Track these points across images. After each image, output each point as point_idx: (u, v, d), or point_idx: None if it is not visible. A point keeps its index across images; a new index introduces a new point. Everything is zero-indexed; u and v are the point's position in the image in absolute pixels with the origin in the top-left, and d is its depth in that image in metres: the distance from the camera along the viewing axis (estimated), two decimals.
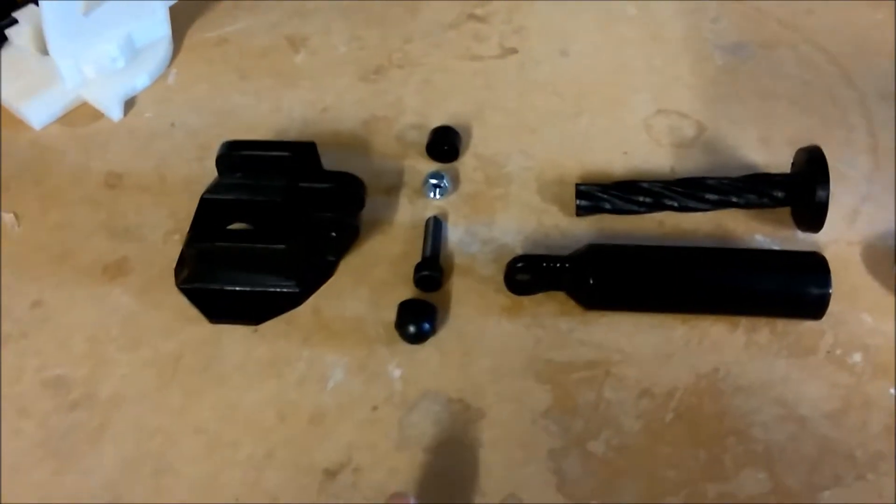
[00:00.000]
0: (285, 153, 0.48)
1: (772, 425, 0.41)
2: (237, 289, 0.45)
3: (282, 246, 0.44)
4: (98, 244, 0.49)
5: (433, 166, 0.53)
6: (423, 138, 0.53)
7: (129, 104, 0.57)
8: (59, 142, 0.55)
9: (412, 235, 0.49)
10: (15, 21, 0.57)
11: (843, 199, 0.50)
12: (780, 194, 0.47)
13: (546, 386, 0.43)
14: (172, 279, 0.46)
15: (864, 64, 0.58)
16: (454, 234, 0.49)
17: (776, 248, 0.48)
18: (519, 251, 0.48)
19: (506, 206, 0.51)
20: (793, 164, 0.49)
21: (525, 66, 0.59)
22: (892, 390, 0.42)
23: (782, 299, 0.43)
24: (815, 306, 0.42)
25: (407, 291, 0.46)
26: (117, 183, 0.53)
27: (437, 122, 0.55)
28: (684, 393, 0.42)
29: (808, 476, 0.39)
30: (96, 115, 0.57)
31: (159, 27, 0.60)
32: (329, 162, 0.51)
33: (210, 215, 0.47)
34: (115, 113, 0.56)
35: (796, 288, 0.42)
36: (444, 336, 0.45)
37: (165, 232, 0.50)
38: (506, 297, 0.46)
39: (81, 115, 0.57)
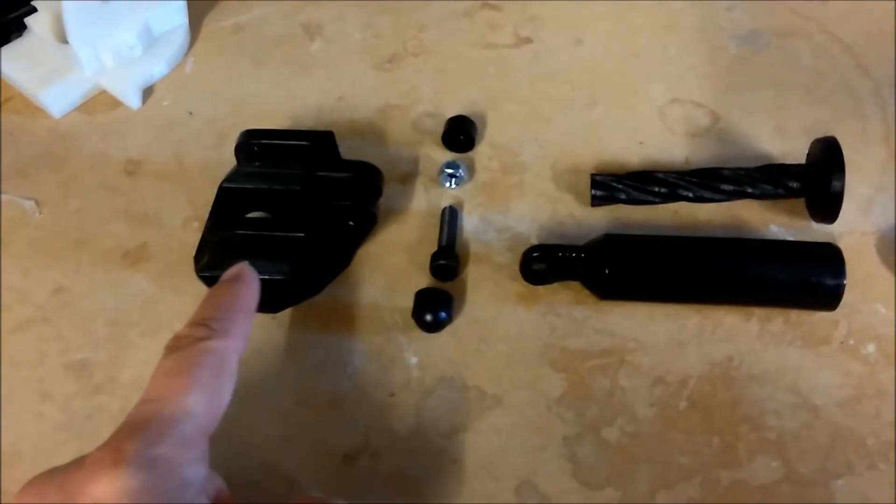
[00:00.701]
0: (304, 142, 0.48)
1: (785, 413, 0.41)
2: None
3: (301, 234, 0.44)
4: (118, 230, 0.50)
5: (448, 155, 0.53)
6: (439, 126, 0.54)
7: (147, 92, 0.58)
8: (77, 129, 0.56)
9: (428, 224, 0.49)
10: (34, 9, 0.57)
11: (858, 190, 0.50)
12: (795, 185, 0.47)
13: (561, 374, 0.43)
14: (191, 265, 0.47)
15: (879, 53, 0.58)
16: (469, 223, 0.50)
17: (791, 238, 0.48)
18: (534, 240, 0.49)
19: (521, 195, 0.51)
20: (808, 154, 0.49)
21: (539, 56, 0.59)
22: None
23: (796, 290, 0.43)
24: (829, 297, 0.42)
25: (423, 280, 0.47)
26: (136, 170, 0.53)
27: (451, 110, 0.55)
28: (698, 381, 0.43)
29: (820, 464, 0.40)
30: (114, 103, 0.57)
31: (176, 15, 0.60)
32: (345, 150, 0.52)
33: (229, 203, 0.48)
34: (133, 101, 0.57)
35: (811, 278, 0.43)
36: (460, 324, 0.45)
37: (184, 219, 0.50)
38: (521, 286, 0.46)
39: (100, 103, 0.57)
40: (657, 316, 0.45)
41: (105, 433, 0.41)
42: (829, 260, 0.43)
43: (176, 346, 0.33)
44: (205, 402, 0.32)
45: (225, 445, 0.41)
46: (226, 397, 0.33)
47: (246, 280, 0.38)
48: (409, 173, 0.52)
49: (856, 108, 0.55)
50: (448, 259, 0.46)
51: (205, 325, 0.34)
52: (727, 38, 0.60)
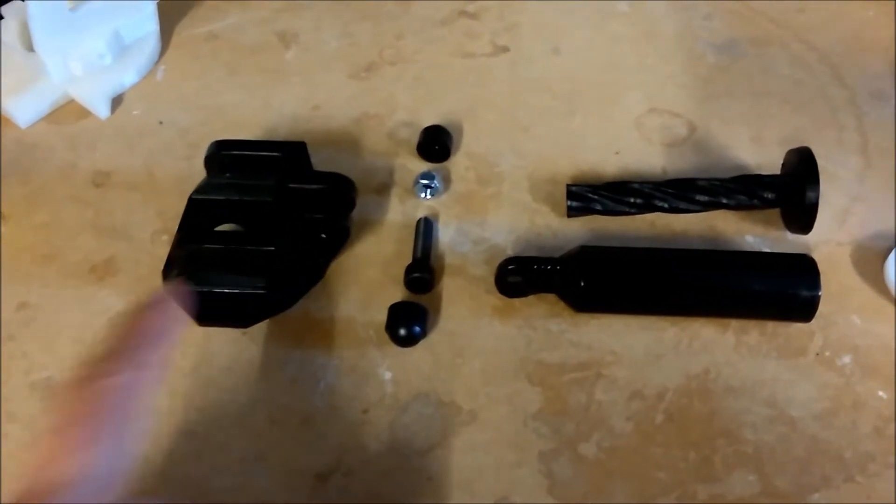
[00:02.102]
0: (275, 153, 0.47)
1: (761, 426, 0.41)
2: (226, 291, 0.44)
3: (271, 248, 0.44)
4: (85, 244, 0.49)
5: (424, 165, 0.52)
6: (415, 136, 0.53)
7: (117, 101, 0.57)
8: (45, 140, 0.55)
9: (403, 235, 0.49)
10: (0, 17, 0.56)
11: (834, 200, 0.50)
12: (770, 195, 0.47)
13: (537, 388, 0.43)
14: (160, 280, 0.46)
15: (855, 62, 0.58)
16: (445, 234, 0.49)
17: (766, 249, 0.48)
18: (510, 251, 0.48)
19: (497, 206, 0.51)
20: (783, 164, 0.49)
21: (517, 64, 0.59)
22: (881, 392, 0.42)
23: (772, 301, 0.43)
24: (804, 309, 0.42)
25: (398, 293, 0.46)
26: (105, 182, 0.52)
27: (428, 119, 0.54)
28: (675, 394, 0.42)
29: (797, 477, 0.40)
30: (83, 112, 0.56)
31: (147, 23, 0.59)
32: (320, 160, 0.51)
33: (199, 215, 0.47)
34: (102, 110, 0.56)
35: (786, 290, 0.42)
36: (436, 338, 0.45)
37: (154, 231, 0.49)
38: (497, 299, 0.46)
39: (68, 112, 0.56)
40: (634, 328, 0.45)
41: None
42: (804, 271, 0.43)
43: (72, 385, 0.29)
44: (106, 453, 0.27)
45: (195, 467, 0.40)
46: (135, 437, 0.29)
47: (158, 305, 0.33)
48: (385, 184, 0.52)
49: (832, 117, 0.55)
50: (422, 272, 0.45)
51: (108, 360, 0.30)
52: (705, 47, 0.60)
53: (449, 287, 0.47)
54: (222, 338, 0.44)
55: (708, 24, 0.61)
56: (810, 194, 0.44)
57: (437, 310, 0.46)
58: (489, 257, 0.48)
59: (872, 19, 0.61)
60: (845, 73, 0.58)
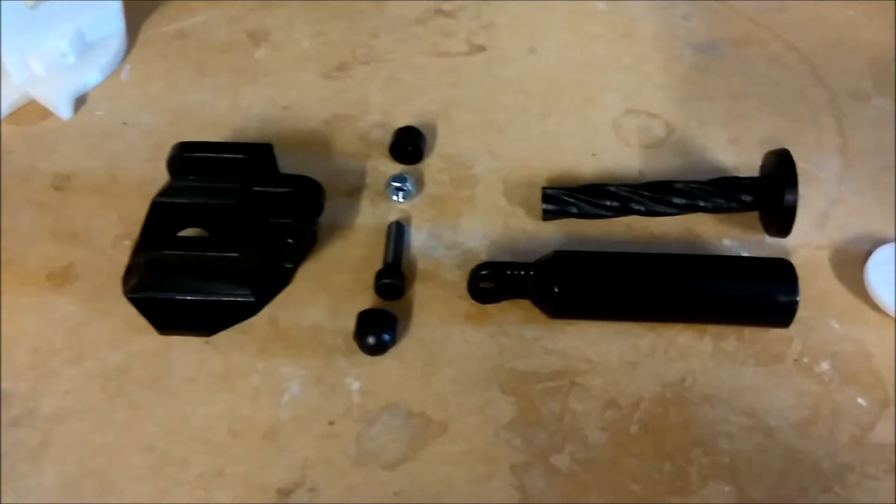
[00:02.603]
0: (240, 155, 0.46)
1: (738, 436, 0.40)
2: (188, 298, 0.43)
3: (235, 254, 0.42)
4: (43, 249, 0.47)
5: (397, 167, 0.51)
6: (388, 137, 0.52)
7: (80, 102, 0.55)
8: (4, 141, 0.53)
9: (374, 240, 0.47)
10: None
11: (813, 202, 0.49)
12: (748, 198, 0.46)
13: (510, 397, 0.41)
14: (121, 287, 0.44)
15: (835, 63, 0.58)
16: (418, 238, 0.48)
17: (745, 252, 0.47)
18: (484, 256, 0.47)
19: (472, 209, 0.49)
20: (761, 167, 0.48)
21: (493, 64, 0.58)
22: (860, 399, 0.41)
23: (749, 307, 0.42)
24: (782, 314, 0.41)
25: (367, 299, 0.45)
26: (65, 185, 0.50)
27: (402, 120, 0.53)
28: (650, 403, 0.41)
29: (774, 489, 0.39)
30: (45, 113, 0.54)
31: (112, 21, 0.57)
32: (290, 162, 0.50)
33: (161, 219, 0.45)
34: (64, 111, 0.54)
35: (763, 295, 0.42)
36: (406, 345, 0.43)
37: (115, 237, 0.48)
38: (470, 304, 0.45)
39: (29, 113, 0.54)
40: (609, 334, 0.44)
41: (23, 470, 0.39)
42: (782, 276, 0.42)
43: None
44: None
45: (151, 483, 0.39)
46: None
47: None
48: (356, 186, 0.50)
49: (811, 118, 0.54)
50: (393, 277, 0.44)
51: None
52: (683, 47, 0.59)
53: (420, 293, 0.45)
54: (184, 347, 0.43)
55: (687, 24, 0.61)
56: (788, 197, 0.44)
57: (408, 317, 0.44)
58: (462, 262, 0.47)
59: (853, 19, 0.61)
60: (825, 74, 0.57)
